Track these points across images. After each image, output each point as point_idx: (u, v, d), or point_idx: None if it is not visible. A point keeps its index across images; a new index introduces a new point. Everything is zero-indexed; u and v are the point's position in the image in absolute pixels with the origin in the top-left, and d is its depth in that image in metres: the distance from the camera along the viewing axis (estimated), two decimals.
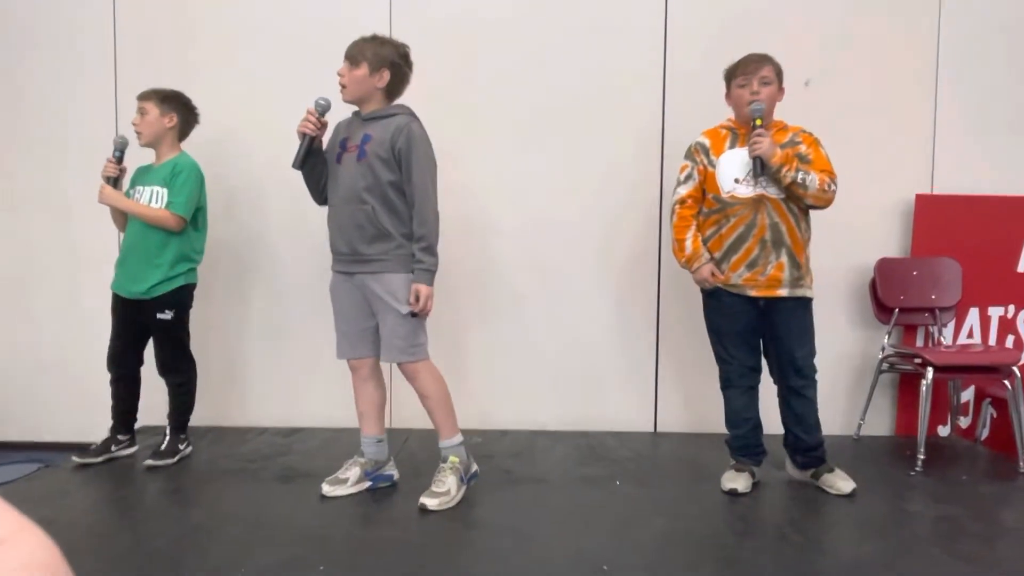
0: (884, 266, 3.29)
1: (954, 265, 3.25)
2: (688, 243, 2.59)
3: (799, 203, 2.50)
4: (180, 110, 2.85)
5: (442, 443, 2.52)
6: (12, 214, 3.42)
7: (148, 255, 2.76)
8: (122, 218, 2.84)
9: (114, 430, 2.92)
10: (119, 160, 2.80)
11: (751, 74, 2.51)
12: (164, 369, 2.87)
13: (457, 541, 2.20)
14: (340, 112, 2.54)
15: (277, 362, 3.43)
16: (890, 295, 3.26)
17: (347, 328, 2.54)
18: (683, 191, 2.61)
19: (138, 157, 2.91)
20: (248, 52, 3.36)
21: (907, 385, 3.34)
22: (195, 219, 2.83)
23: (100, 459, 2.86)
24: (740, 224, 2.51)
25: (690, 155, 2.63)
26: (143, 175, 2.86)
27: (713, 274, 2.56)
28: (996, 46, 3.34)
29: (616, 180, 3.35)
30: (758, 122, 2.46)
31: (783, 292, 2.52)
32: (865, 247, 3.31)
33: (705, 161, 2.59)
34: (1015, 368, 2.94)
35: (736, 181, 2.52)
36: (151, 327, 2.81)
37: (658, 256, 3.36)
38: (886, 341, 3.26)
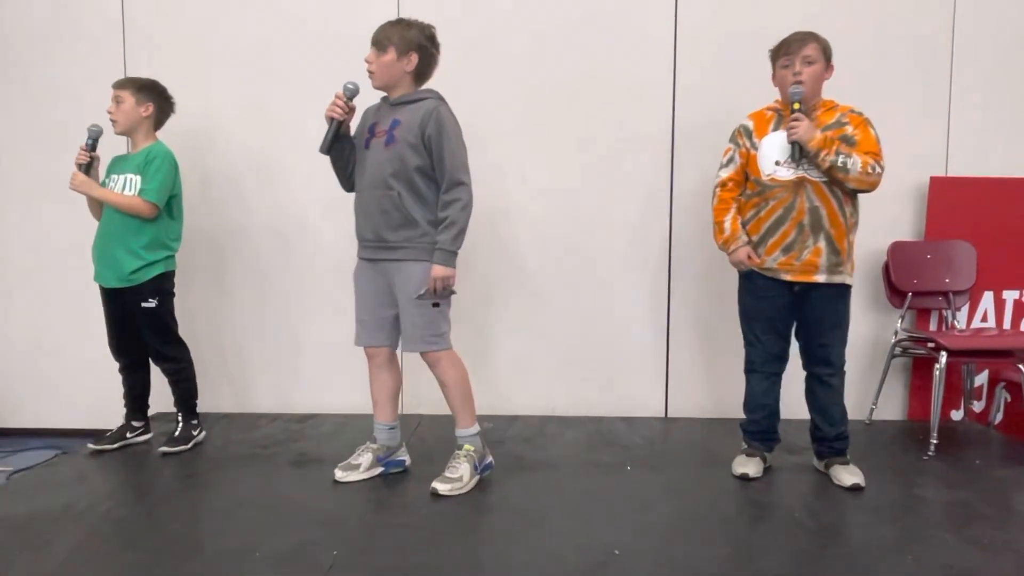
0: (897, 250, 3.27)
1: (968, 248, 3.22)
2: (727, 224, 2.56)
3: (842, 186, 2.44)
4: (156, 99, 2.85)
5: (459, 432, 2.52)
6: (23, 204, 3.44)
7: (123, 242, 2.77)
8: (98, 207, 2.85)
9: (128, 417, 2.96)
10: (92, 148, 2.80)
11: (793, 54, 2.45)
12: (157, 357, 2.89)
13: (469, 525, 2.22)
14: (368, 98, 2.52)
15: (267, 348, 3.45)
16: (903, 279, 3.23)
17: (366, 316, 2.54)
18: (724, 174, 2.58)
19: (114, 147, 2.91)
20: (240, 39, 3.36)
21: (920, 369, 3.32)
22: (170, 207, 2.83)
23: (115, 446, 2.89)
24: (779, 207, 2.47)
25: (733, 138, 2.60)
26: (118, 164, 2.87)
27: (749, 257, 2.52)
28: (1012, 27, 3.28)
29: (627, 167, 3.33)
30: (796, 106, 2.41)
31: (819, 278, 2.47)
32: (878, 231, 3.28)
33: (747, 144, 2.55)
34: None
35: (777, 164, 2.47)
36: (137, 317, 2.81)
37: (668, 242, 3.35)
38: (899, 325, 3.24)
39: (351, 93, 2.45)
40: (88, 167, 2.79)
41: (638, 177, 3.34)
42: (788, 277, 2.50)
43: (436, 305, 2.42)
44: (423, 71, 2.46)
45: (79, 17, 3.38)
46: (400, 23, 2.44)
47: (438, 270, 2.37)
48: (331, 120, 2.44)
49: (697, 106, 3.30)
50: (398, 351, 2.60)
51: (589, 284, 3.38)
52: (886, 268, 3.28)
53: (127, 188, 2.78)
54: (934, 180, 3.28)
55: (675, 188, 3.33)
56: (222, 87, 3.37)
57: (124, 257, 2.77)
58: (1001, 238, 3.25)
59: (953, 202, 3.26)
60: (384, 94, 2.50)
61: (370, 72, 2.43)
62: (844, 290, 2.53)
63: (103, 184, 2.83)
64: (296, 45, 3.34)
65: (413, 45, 2.41)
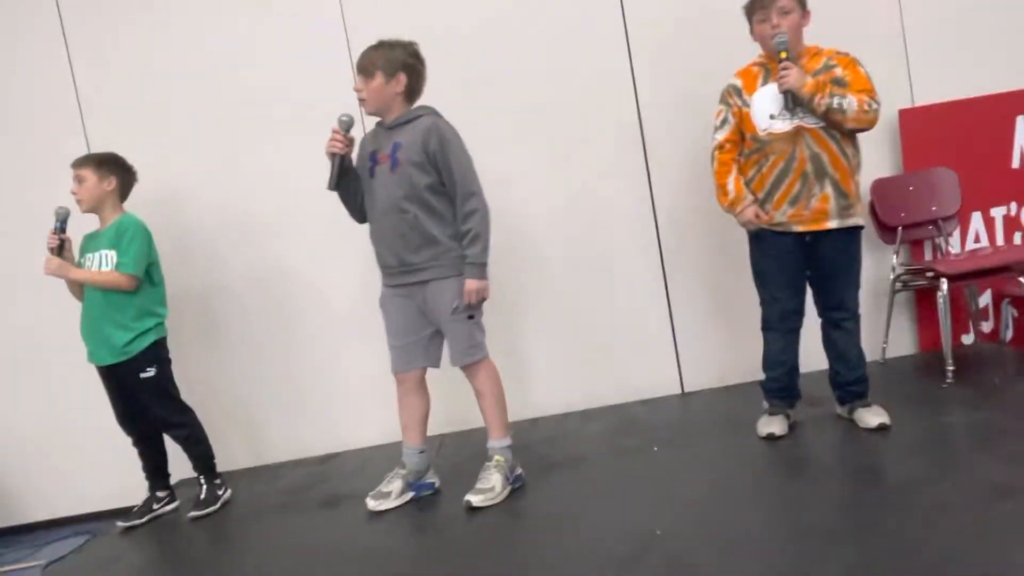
0: (880, 187, 3.28)
1: (949, 174, 3.23)
2: (730, 186, 2.52)
3: (841, 129, 2.42)
4: (118, 172, 2.84)
5: (491, 443, 2.51)
6: (26, 285, 3.39)
7: (110, 318, 2.75)
8: (79, 289, 2.82)
9: (152, 488, 2.93)
10: (62, 230, 2.77)
11: (768, 7, 2.43)
12: (164, 426, 2.88)
13: (508, 534, 2.21)
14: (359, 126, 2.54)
15: (279, 396, 3.44)
16: (891, 214, 3.24)
17: (398, 342, 2.53)
18: (720, 136, 2.55)
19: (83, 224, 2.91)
20: (198, 99, 3.35)
21: (924, 300, 3.32)
22: (150, 274, 2.82)
23: (144, 520, 2.86)
24: (780, 161, 2.44)
25: (723, 99, 2.56)
26: (91, 241, 2.85)
27: (757, 215, 2.49)
28: None
29: (598, 154, 3.32)
30: (783, 55, 2.38)
31: (831, 224, 2.44)
32: None
33: (739, 102, 2.52)
34: None
35: (771, 117, 2.44)
36: (138, 389, 2.80)
37: (653, 218, 3.35)
38: (895, 260, 3.25)
39: (347, 125, 2.43)
40: (60, 249, 2.77)
41: (613, 164, 3.33)
42: (800, 228, 2.46)
43: (471, 317, 2.43)
44: (413, 89, 2.46)
45: (31, 96, 3.37)
46: (382, 46, 2.43)
47: (472, 284, 2.38)
48: (333, 156, 2.42)
49: (657, 78, 3.30)
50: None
51: (585, 276, 3.37)
52: (872, 207, 3.28)
53: (104, 264, 2.77)
54: (903, 112, 3.29)
55: (650, 165, 3.33)
56: (184, 149, 3.35)
57: (114, 332, 2.76)
58: (979, 158, 3.26)
59: (926, 131, 3.27)
60: (378, 119, 2.49)
61: (361, 100, 2.43)
62: (856, 232, 2.51)
63: (79, 264, 2.82)
64: (258, 96, 3.33)
65: (399, 65, 2.41)
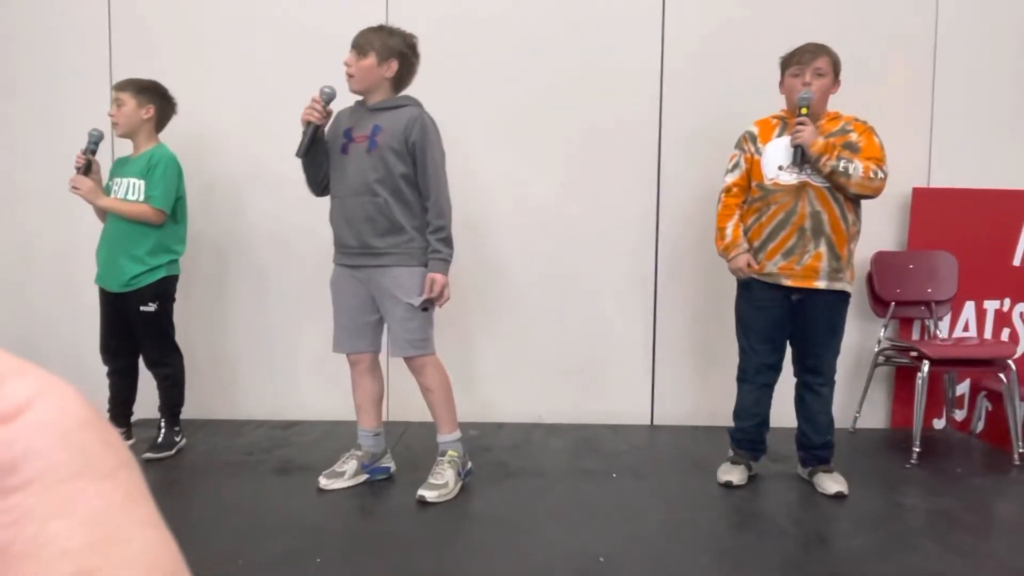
0: (881, 259, 3.30)
1: (950, 259, 3.26)
2: (728, 231, 2.55)
3: (845, 193, 2.45)
4: (157, 101, 2.82)
5: (441, 438, 2.52)
6: (9, 206, 3.40)
7: (127, 248, 2.74)
8: (103, 212, 2.82)
9: (111, 423, 2.91)
10: (92, 152, 2.75)
11: (805, 64, 2.47)
12: (151, 362, 2.86)
13: (454, 533, 2.21)
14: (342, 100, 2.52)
15: (264, 354, 3.42)
16: (886, 288, 3.26)
17: (347, 322, 2.53)
18: (729, 179, 2.58)
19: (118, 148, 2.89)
20: (239, 44, 3.34)
21: (903, 378, 3.35)
22: (174, 210, 2.81)
23: None
24: (780, 212, 2.47)
25: (739, 144, 2.60)
26: (121, 167, 2.84)
27: (749, 264, 2.51)
28: (993, 40, 3.33)
29: (613, 173, 3.34)
30: (803, 111, 2.42)
31: (820, 284, 2.47)
32: (862, 241, 3.27)
33: (752, 149, 2.55)
34: (1010, 361, 2.95)
35: (780, 168, 2.48)
36: (135, 320, 2.79)
37: (655, 248, 3.36)
38: (882, 334, 3.27)
39: (328, 97, 2.42)
40: (87, 169, 2.75)
41: (625, 185, 3.35)
42: (788, 283, 2.49)
43: (426, 310, 2.43)
44: (402, 78, 2.46)
45: (66, 20, 3.36)
46: (383, 30, 2.44)
47: (441, 279, 2.39)
48: (308, 124, 2.41)
49: (684, 115, 3.32)
50: (382, 357, 2.59)
51: (575, 292, 3.38)
52: (869, 278, 3.30)
53: (131, 192, 2.75)
54: (917, 191, 3.31)
55: (662, 195, 3.35)
56: (222, 90, 3.33)
57: (127, 264, 2.74)
58: (982, 249, 3.29)
59: (935, 213, 3.29)
60: (359, 98, 2.49)
61: (349, 75, 2.42)
62: (842, 299, 2.53)
63: (107, 187, 2.81)
64: (296, 50, 3.31)
65: (394, 52, 2.41)
